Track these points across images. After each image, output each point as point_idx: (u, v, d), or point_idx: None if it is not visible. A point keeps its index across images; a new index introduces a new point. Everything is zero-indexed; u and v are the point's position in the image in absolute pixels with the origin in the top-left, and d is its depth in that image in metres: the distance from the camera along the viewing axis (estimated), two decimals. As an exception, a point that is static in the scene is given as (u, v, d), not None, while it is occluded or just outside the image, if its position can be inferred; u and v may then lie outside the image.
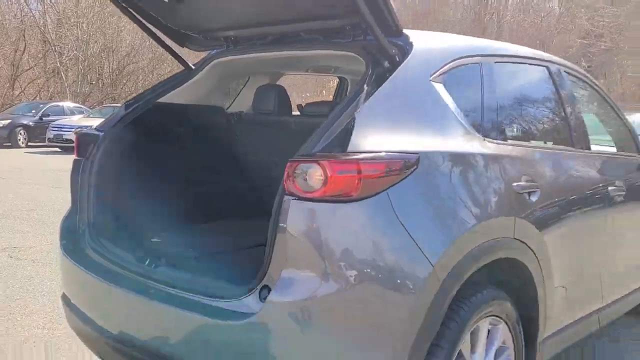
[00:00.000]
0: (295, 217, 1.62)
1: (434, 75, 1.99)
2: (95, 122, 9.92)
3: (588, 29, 22.25)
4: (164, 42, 2.66)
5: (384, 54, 1.95)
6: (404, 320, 1.66)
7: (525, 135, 2.54)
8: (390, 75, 1.89)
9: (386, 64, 1.94)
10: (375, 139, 1.71)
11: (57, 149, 16.10)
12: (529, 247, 2.12)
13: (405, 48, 2.01)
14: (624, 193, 2.85)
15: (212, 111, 2.90)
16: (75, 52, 27.44)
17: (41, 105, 19.39)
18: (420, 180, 1.74)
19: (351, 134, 1.66)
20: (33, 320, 3.37)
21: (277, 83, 3.35)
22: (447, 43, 2.26)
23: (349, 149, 1.64)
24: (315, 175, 1.60)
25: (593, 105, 3.30)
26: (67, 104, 20.39)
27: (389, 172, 1.66)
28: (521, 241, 2.07)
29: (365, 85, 1.84)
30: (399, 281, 1.65)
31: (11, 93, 26.60)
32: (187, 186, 2.70)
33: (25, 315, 3.46)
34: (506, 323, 2.10)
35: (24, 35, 26.51)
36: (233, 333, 1.68)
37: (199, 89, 2.74)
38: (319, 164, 1.59)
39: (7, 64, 26.12)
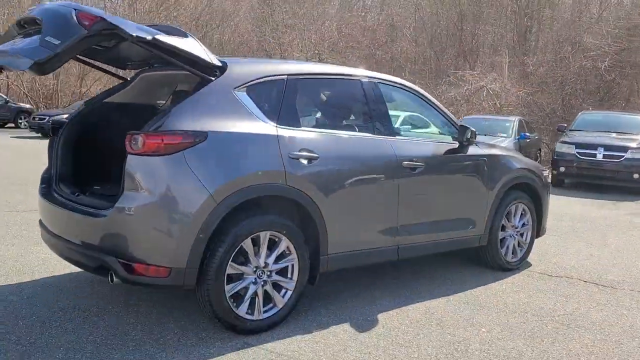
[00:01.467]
0: (129, 164, 3.05)
1: (238, 87, 3.37)
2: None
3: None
4: (104, 69, 4.19)
5: (208, 74, 3.34)
6: (191, 219, 3.04)
7: (317, 125, 3.85)
8: (205, 87, 3.28)
9: (207, 79, 3.33)
10: (183, 123, 3.11)
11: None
12: (304, 193, 3.45)
13: (224, 70, 3.39)
14: (421, 165, 4.09)
15: (140, 107, 4.32)
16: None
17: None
18: (208, 147, 3.12)
19: (167, 119, 3.08)
20: (41, 249, 4.95)
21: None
22: (257, 67, 3.63)
23: (162, 128, 3.06)
24: (138, 141, 3.02)
25: (414, 105, 4.61)
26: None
27: (184, 141, 3.06)
28: (295, 188, 3.41)
29: (188, 93, 3.25)
30: (189, 198, 3.05)
31: (79, 90, 29.50)
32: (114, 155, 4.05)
33: (36, 244, 5.03)
34: (289, 238, 3.44)
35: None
36: (103, 223, 3.14)
37: (132, 92, 4.21)
38: (139, 135, 3.02)
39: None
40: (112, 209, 3.10)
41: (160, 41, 3.06)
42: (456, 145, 4.49)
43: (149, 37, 3.00)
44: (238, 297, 3.31)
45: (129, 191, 3.07)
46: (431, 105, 4.57)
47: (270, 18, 31.36)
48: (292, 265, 3.51)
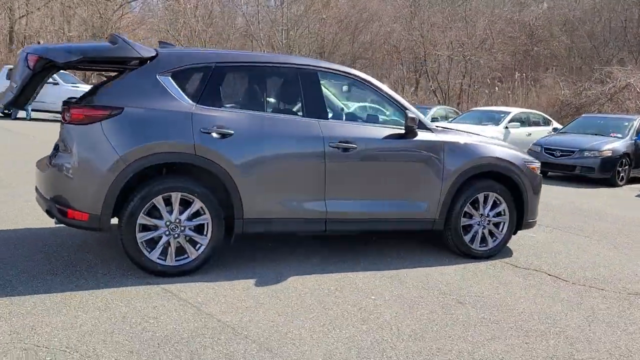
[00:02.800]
0: (62, 131, 3.95)
1: (162, 72, 4.08)
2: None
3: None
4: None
5: (139, 64, 4.11)
6: (103, 175, 3.83)
7: (240, 106, 4.37)
8: (131, 72, 4.05)
9: (133, 68, 4.09)
10: (104, 99, 3.93)
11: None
12: (214, 162, 4.05)
13: (154, 58, 4.13)
14: (354, 146, 4.43)
15: None
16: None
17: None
18: (123, 119, 3.89)
19: (94, 97, 3.92)
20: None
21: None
22: (187, 56, 4.29)
23: (86, 103, 3.90)
24: (68, 113, 3.90)
25: (365, 93, 4.89)
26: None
27: (101, 113, 3.86)
28: (204, 157, 4.02)
29: (120, 76, 4.05)
30: (102, 159, 3.85)
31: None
32: None
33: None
34: (201, 201, 4.06)
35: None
36: (45, 176, 4.11)
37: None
38: (68, 109, 3.89)
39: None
40: (50, 166, 4.01)
41: (88, 56, 3.92)
42: (402, 130, 4.69)
43: (76, 58, 3.85)
44: (153, 244, 4.02)
45: (61, 152, 3.97)
46: (381, 94, 4.84)
47: (416, 17, 31.46)
48: (207, 224, 4.13)
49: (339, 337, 3.27)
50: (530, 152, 11.24)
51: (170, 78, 4.11)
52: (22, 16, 31.40)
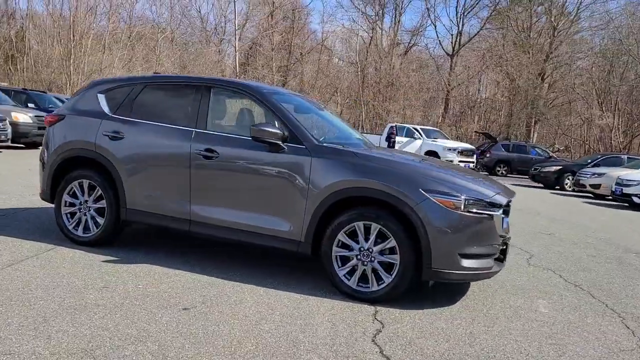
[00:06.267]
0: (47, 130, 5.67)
1: (101, 91, 5.39)
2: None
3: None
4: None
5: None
6: (49, 163, 5.36)
7: (141, 117, 5.10)
8: (85, 91, 5.50)
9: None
10: (63, 110, 5.50)
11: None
12: (107, 159, 5.09)
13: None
14: (216, 155, 4.69)
15: None
16: None
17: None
18: (62, 124, 5.39)
19: (59, 108, 5.56)
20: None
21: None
22: (120, 79, 5.40)
23: (54, 112, 5.56)
24: (45, 119, 5.63)
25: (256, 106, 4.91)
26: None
27: (53, 119, 5.45)
28: (101, 154, 5.11)
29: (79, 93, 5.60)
30: (49, 151, 5.40)
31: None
32: None
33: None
34: (100, 188, 5.15)
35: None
36: None
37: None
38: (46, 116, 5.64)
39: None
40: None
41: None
42: (271, 143, 4.57)
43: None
44: (73, 217, 5.32)
45: (43, 145, 5.69)
46: (268, 108, 4.80)
47: None
48: (105, 208, 5.17)
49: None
50: None
51: (103, 95, 5.40)
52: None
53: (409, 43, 52.03)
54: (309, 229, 4.44)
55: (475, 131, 40.03)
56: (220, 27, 49.91)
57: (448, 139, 27.77)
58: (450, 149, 24.50)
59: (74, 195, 5.33)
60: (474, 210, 4.18)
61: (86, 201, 5.27)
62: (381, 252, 4.26)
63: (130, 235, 5.83)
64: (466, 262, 4.18)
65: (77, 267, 4.55)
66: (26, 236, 5.39)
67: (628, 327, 4.28)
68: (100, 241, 5.20)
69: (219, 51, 47.55)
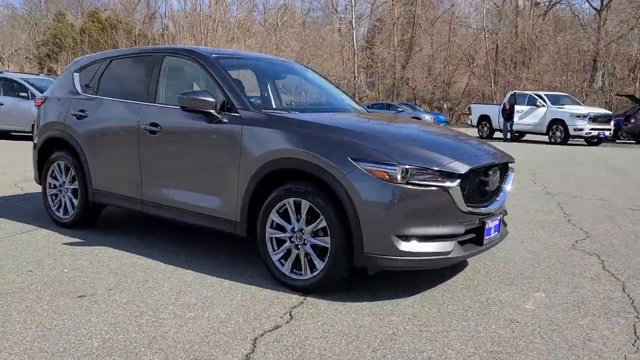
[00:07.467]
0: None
1: (77, 69, 5.28)
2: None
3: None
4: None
5: None
6: (39, 139, 5.41)
7: (104, 94, 4.88)
8: (65, 70, 5.43)
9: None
10: (48, 91, 5.49)
11: None
12: (73, 137, 4.98)
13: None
14: (159, 130, 4.35)
15: None
16: None
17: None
18: (46, 104, 5.38)
19: (47, 90, 5.57)
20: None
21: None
22: (93, 55, 5.21)
23: (41, 95, 5.58)
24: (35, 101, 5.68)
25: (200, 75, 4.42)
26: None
27: (41, 102, 5.46)
28: (68, 133, 5.01)
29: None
30: (38, 128, 5.43)
31: None
32: None
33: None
34: (72, 167, 5.07)
35: None
36: None
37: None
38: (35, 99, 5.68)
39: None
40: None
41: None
42: (210, 115, 4.07)
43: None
44: (55, 199, 5.32)
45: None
46: (210, 74, 4.28)
47: None
48: (78, 190, 5.09)
49: None
50: None
51: (78, 74, 5.29)
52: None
53: (550, 1, 47.63)
54: (242, 208, 3.92)
55: (616, 93, 35.40)
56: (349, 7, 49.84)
57: (580, 104, 24.82)
58: (579, 116, 21.85)
59: (55, 177, 5.33)
60: (417, 182, 3.36)
61: (64, 182, 5.24)
62: (315, 235, 3.61)
63: (126, 218, 5.75)
64: (405, 246, 3.37)
65: (32, 249, 4.49)
66: (19, 218, 5.54)
67: None
68: (78, 223, 5.14)
69: (339, 30, 47.26)
